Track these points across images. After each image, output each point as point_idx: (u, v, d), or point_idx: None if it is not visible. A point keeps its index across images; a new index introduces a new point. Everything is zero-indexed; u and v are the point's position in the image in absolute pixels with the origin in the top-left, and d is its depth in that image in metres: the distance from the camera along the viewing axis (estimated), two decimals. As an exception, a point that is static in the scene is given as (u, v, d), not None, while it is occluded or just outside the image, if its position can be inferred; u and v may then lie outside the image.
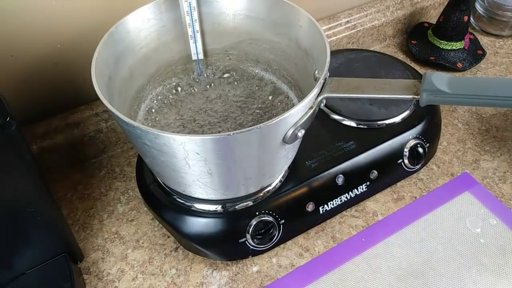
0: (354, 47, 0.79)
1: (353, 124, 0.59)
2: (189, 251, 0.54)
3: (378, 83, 0.45)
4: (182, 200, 0.51)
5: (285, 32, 0.52)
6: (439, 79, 0.42)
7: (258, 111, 0.54)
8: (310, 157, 0.55)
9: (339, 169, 0.55)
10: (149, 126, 0.45)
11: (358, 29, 0.78)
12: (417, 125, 0.59)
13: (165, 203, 0.52)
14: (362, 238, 0.55)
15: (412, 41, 0.80)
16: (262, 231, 0.51)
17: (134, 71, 0.52)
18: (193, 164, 0.41)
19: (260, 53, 0.57)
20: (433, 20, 0.82)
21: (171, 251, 0.55)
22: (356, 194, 0.57)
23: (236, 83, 0.58)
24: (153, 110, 0.54)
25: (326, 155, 0.56)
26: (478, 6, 0.84)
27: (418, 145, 0.58)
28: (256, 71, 0.58)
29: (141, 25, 0.51)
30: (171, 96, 0.56)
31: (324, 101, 0.45)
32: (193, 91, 0.57)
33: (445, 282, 0.51)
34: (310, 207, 0.54)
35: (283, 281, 0.52)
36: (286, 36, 0.52)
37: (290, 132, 0.42)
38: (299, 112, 0.41)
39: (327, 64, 0.43)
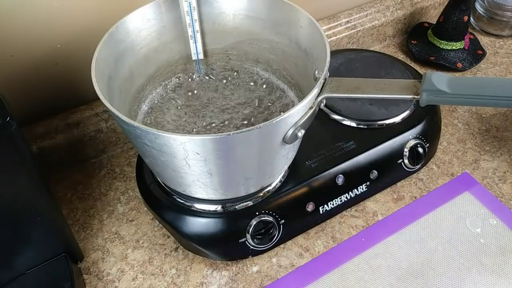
0: (354, 47, 0.79)
1: (353, 124, 0.59)
2: (189, 251, 0.54)
3: (378, 83, 0.45)
4: (182, 200, 0.51)
5: (285, 32, 0.52)
6: (439, 79, 0.42)
7: (258, 111, 0.54)
8: (310, 157, 0.55)
9: (339, 169, 0.55)
10: (149, 126, 0.45)
11: (358, 29, 0.78)
12: (417, 125, 0.59)
13: (165, 203, 0.52)
14: (362, 238, 0.55)
15: (412, 41, 0.80)
16: (262, 231, 0.51)
17: (134, 71, 0.52)
18: (193, 164, 0.41)
19: (260, 53, 0.57)
20: (433, 20, 0.82)
21: (171, 251, 0.55)
22: (356, 194, 0.57)
23: (236, 83, 0.58)
24: (153, 110, 0.54)
25: (326, 155, 0.56)
26: (478, 6, 0.84)
27: (418, 145, 0.58)
28: (256, 71, 0.58)
29: (141, 25, 0.51)
30: (171, 96, 0.56)
31: (324, 101, 0.45)
32: (193, 91, 0.57)
33: (445, 282, 0.51)
34: (310, 207, 0.54)
35: (283, 281, 0.52)
36: (286, 36, 0.52)
37: (290, 132, 0.42)
38: (299, 112, 0.41)
39: (327, 64, 0.43)
